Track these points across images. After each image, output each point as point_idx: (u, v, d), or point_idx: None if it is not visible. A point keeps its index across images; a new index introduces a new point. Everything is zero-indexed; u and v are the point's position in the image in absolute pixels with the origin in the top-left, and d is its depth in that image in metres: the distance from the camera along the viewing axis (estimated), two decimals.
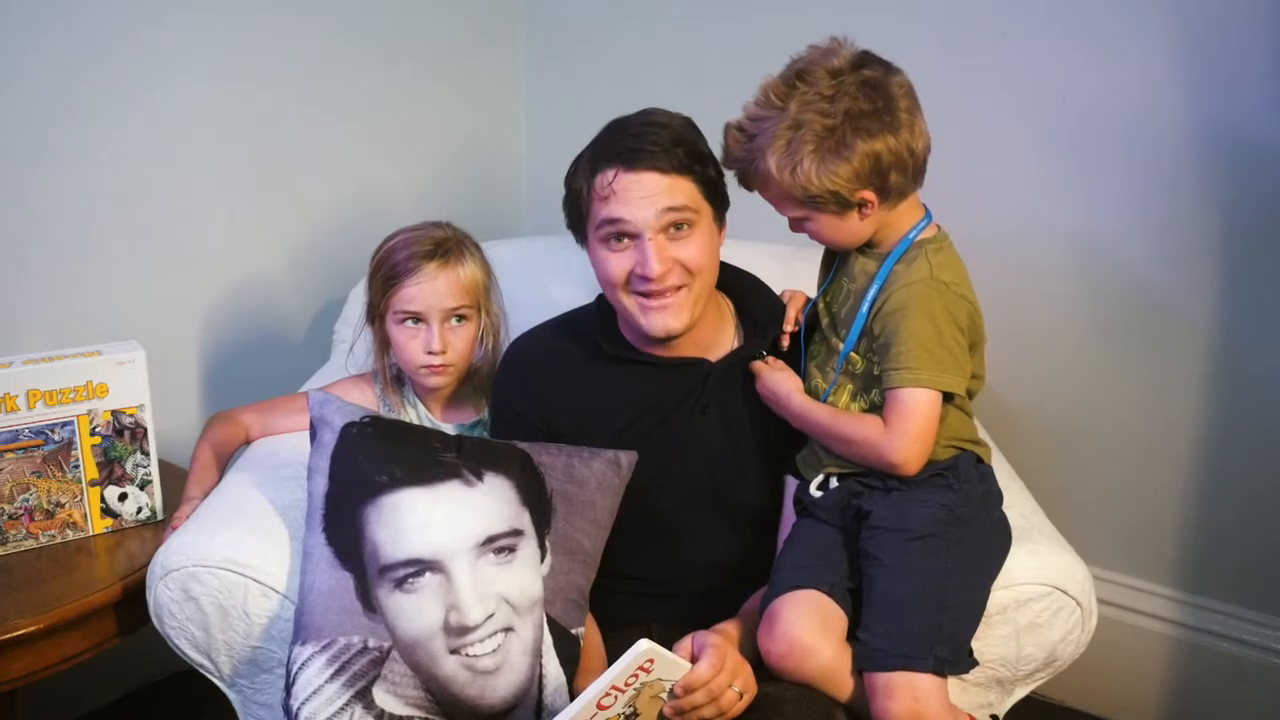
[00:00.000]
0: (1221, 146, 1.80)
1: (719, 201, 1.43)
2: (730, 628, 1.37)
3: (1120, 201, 1.91)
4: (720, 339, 1.50)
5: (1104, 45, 1.86)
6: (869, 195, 1.27)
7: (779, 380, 1.41)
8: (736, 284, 1.54)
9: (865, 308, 1.32)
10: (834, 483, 1.38)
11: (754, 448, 1.48)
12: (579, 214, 1.43)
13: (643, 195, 1.36)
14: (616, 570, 1.44)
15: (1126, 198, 1.90)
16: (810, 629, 1.28)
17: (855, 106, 1.24)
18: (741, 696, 1.25)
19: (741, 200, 1.44)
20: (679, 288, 1.39)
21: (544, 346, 1.54)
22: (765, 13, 2.18)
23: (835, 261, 1.43)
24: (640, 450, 1.42)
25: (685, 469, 1.47)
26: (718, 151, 1.38)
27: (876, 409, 1.32)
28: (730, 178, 1.39)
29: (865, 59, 1.27)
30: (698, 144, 1.40)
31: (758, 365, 1.44)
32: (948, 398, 1.31)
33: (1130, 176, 1.89)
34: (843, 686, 1.29)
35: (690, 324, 1.42)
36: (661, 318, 1.40)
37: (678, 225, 1.38)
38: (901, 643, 1.24)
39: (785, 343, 1.47)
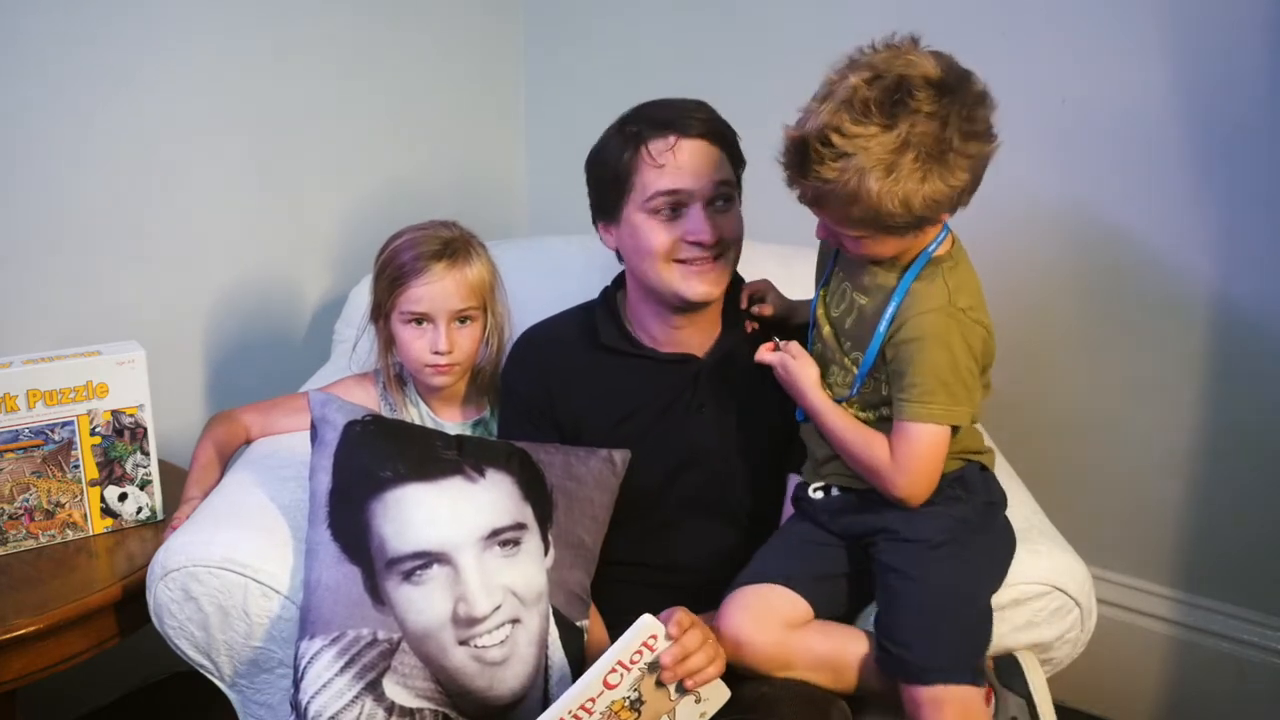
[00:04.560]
0: (1220, 146, 1.80)
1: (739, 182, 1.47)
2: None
3: (1119, 201, 1.91)
4: (708, 333, 1.52)
5: (1104, 45, 1.86)
6: (947, 215, 1.22)
7: (797, 372, 1.33)
8: None
9: (881, 329, 1.26)
10: (835, 491, 1.38)
11: (747, 446, 1.49)
12: (620, 189, 1.43)
13: (700, 164, 1.40)
14: (613, 559, 1.45)
15: (1125, 198, 1.90)
16: (747, 620, 1.29)
17: (968, 129, 1.16)
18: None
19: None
20: (718, 256, 1.44)
21: (550, 336, 1.56)
22: (766, 13, 2.17)
23: (831, 259, 1.38)
24: (637, 445, 1.44)
25: (680, 465, 1.48)
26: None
27: (885, 421, 1.29)
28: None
29: (955, 65, 1.19)
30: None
31: (770, 355, 1.36)
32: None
33: (1129, 176, 1.89)
34: (796, 669, 1.30)
35: (721, 294, 1.47)
36: (704, 283, 1.43)
37: (725, 198, 1.43)
38: (942, 656, 1.23)
39: (749, 328, 1.49)
